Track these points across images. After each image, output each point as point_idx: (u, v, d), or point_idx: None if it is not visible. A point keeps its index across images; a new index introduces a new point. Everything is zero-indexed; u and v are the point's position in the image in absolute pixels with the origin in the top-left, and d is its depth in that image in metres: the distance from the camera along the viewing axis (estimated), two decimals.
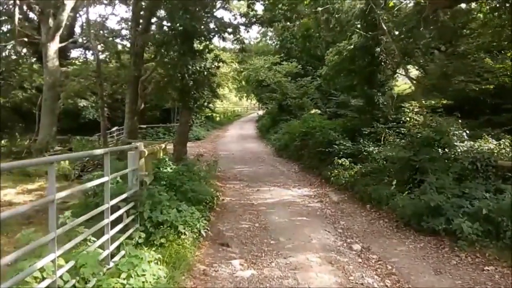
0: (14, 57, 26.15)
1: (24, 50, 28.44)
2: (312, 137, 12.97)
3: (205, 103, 19.94)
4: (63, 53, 27.42)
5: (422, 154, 7.15)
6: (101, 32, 20.13)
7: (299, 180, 10.88)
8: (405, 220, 6.22)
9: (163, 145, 10.30)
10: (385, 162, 8.82)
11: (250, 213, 7.35)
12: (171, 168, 6.94)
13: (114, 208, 4.14)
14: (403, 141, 8.67)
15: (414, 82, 17.19)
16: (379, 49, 11.07)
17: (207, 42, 11.36)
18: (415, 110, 10.72)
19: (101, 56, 21.93)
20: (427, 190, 6.18)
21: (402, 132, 10.00)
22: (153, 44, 11.55)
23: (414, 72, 19.88)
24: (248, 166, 13.66)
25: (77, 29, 26.71)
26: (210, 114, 32.06)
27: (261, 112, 37.37)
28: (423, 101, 9.25)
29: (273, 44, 35.88)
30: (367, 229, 6.36)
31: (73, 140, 17.70)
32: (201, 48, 11.25)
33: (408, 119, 10.46)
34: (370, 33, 10.48)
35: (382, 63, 11.38)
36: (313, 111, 22.19)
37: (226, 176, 11.50)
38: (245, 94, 43.04)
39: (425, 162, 6.98)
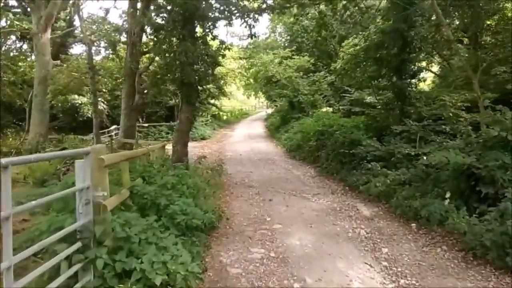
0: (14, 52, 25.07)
1: (25, 46, 27.34)
2: (330, 137, 11.36)
3: (209, 98, 18.36)
4: (63, 49, 26.21)
5: (487, 159, 5.47)
6: (101, 26, 18.74)
7: (318, 187, 9.22)
8: (478, 251, 4.54)
9: (158, 146, 8.78)
10: (424, 167, 7.16)
11: (263, 234, 5.73)
12: (161, 177, 5.31)
13: (51, 253, 2.56)
14: (452, 142, 6.98)
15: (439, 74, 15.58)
16: (412, 33, 9.35)
17: (211, 27, 9.77)
18: (459, 104, 9.10)
19: (103, 53, 20.56)
20: (509, 210, 4.50)
21: (445, 131, 8.35)
22: (151, 30, 9.98)
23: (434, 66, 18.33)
24: (257, 168, 12.06)
25: (78, 24, 25.43)
26: (216, 113, 30.62)
27: (269, 111, 35.83)
28: (478, 94, 7.54)
29: (282, 40, 34.25)
30: (422, 261, 4.69)
31: (67, 140, 16.28)
32: (203, 33, 9.68)
33: (450, 115, 8.83)
34: (411, 6, 8.76)
35: (417, 50, 9.65)
36: (324, 109, 20.59)
37: (233, 182, 9.91)
38: (253, 92, 41.46)
39: (494, 170, 5.30)
